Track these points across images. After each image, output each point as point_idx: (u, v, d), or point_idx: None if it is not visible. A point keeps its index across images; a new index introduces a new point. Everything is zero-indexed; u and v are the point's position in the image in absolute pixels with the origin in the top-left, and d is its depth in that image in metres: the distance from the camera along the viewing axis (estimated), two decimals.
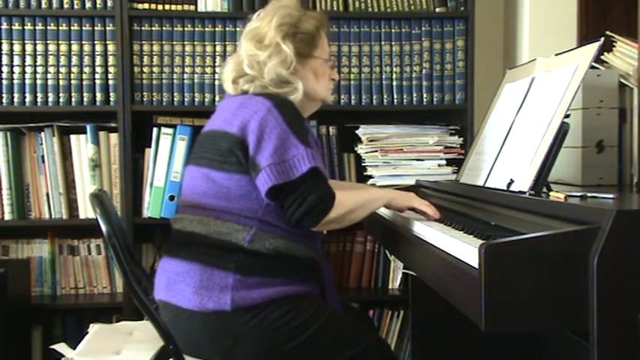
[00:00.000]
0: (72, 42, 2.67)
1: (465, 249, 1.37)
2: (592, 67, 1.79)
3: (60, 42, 2.67)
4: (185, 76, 2.71)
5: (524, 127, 1.84)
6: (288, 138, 1.72)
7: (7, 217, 2.68)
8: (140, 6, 2.68)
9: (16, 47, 2.66)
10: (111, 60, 2.68)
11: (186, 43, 2.70)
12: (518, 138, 1.84)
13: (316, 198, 1.71)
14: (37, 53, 2.67)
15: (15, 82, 2.66)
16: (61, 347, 1.89)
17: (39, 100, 2.67)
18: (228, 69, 1.91)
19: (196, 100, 2.71)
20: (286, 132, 1.73)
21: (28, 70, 2.66)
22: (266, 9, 1.94)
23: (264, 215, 1.75)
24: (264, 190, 1.71)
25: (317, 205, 1.72)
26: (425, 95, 2.75)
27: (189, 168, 1.89)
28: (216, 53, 2.71)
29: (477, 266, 1.24)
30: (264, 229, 1.75)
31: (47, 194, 2.72)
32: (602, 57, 2.07)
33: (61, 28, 2.67)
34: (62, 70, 2.67)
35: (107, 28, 2.68)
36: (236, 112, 1.79)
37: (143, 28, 2.69)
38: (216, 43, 2.71)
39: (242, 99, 1.83)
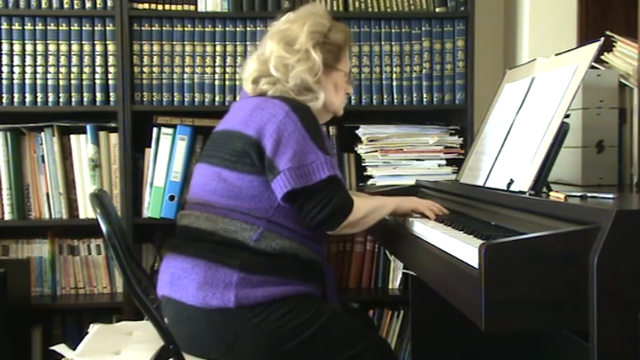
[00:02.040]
0: (72, 42, 2.67)
1: (465, 249, 1.37)
2: (592, 67, 1.79)
3: (60, 42, 2.67)
4: (185, 76, 2.71)
5: (524, 127, 1.84)
6: (307, 143, 1.73)
7: (7, 217, 2.69)
8: (140, 6, 2.68)
9: (16, 47, 2.66)
10: (111, 60, 2.68)
11: (186, 43, 2.70)
12: (518, 138, 1.84)
13: (338, 203, 1.73)
14: (37, 53, 2.67)
15: (15, 82, 2.66)
16: (61, 348, 1.89)
17: (39, 100, 2.67)
18: (251, 67, 1.90)
19: (196, 100, 2.71)
20: (305, 137, 1.73)
21: (28, 70, 2.66)
22: (296, 13, 1.94)
23: (274, 216, 1.76)
24: (281, 193, 1.71)
25: (339, 209, 1.74)
26: (425, 95, 2.75)
27: (200, 166, 1.89)
28: (216, 53, 2.71)
29: (477, 266, 1.24)
30: (272, 229, 1.76)
31: (47, 194, 2.72)
32: (602, 57, 2.07)
33: (61, 28, 2.67)
34: (62, 70, 2.67)
35: (107, 28, 2.68)
36: (252, 113, 1.79)
37: (143, 28, 2.69)
38: (216, 43, 2.71)
39: (259, 100, 1.83)
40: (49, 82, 2.66)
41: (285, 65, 1.84)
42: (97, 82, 2.68)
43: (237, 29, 2.71)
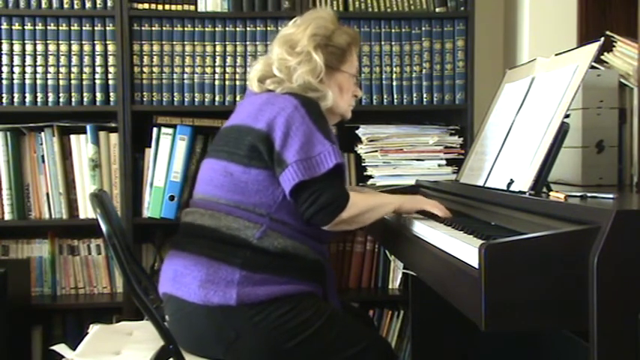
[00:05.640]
0: (72, 42, 2.67)
1: (465, 249, 1.37)
2: (592, 67, 1.79)
3: (60, 42, 2.67)
4: (185, 76, 2.71)
5: (524, 127, 1.84)
6: (314, 135, 1.76)
7: (7, 217, 2.68)
8: (140, 6, 2.68)
9: (16, 47, 2.66)
10: (111, 60, 2.68)
11: (186, 43, 2.70)
12: (518, 138, 1.84)
13: (330, 197, 1.74)
14: (37, 53, 2.67)
15: (15, 82, 2.66)
16: (61, 348, 1.89)
17: (39, 100, 2.67)
18: (257, 68, 1.94)
19: (196, 100, 2.71)
20: (312, 129, 1.76)
21: (28, 70, 2.66)
22: (303, 17, 1.97)
23: (277, 212, 1.77)
24: (289, 186, 1.73)
25: (330, 204, 1.74)
26: (425, 95, 2.75)
27: (207, 161, 1.90)
28: (216, 53, 2.71)
29: (477, 266, 1.24)
30: (274, 227, 1.76)
31: (47, 194, 2.72)
32: (602, 57, 2.07)
33: (61, 28, 2.67)
34: (62, 70, 2.67)
35: (107, 28, 2.68)
36: (262, 108, 1.81)
37: (143, 28, 2.69)
38: (216, 43, 2.71)
39: (268, 96, 1.86)
40: (49, 82, 2.66)
41: (287, 67, 1.87)
42: (97, 82, 2.68)
43: (237, 29, 2.71)
